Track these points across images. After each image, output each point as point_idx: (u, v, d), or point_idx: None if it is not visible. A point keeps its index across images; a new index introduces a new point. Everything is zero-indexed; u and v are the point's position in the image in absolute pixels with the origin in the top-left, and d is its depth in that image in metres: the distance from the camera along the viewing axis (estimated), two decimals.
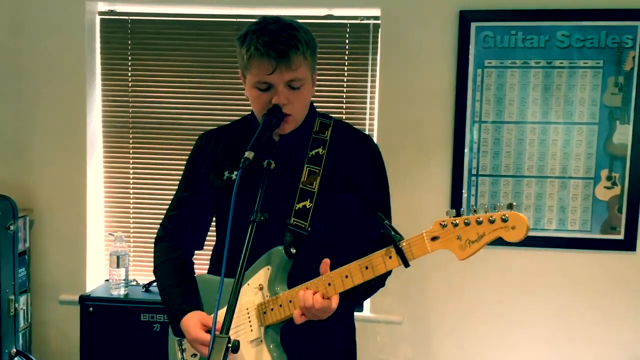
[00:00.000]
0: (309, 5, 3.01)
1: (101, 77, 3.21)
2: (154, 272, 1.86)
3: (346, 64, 3.05)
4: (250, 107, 1.75)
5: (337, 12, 3.04)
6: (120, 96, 3.21)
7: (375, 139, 2.98)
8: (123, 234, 3.07)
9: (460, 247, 1.38)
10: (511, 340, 3.03)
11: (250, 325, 1.64)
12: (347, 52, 3.05)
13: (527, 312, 3.01)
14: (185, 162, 1.93)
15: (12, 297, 2.95)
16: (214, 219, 1.88)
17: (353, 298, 1.62)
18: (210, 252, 1.90)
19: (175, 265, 1.83)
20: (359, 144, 1.78)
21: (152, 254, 1.90)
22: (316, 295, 1.52)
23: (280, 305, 1.59)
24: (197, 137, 1.91)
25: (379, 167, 1.79)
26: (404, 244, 1.45)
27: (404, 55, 2.96)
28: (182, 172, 1.93)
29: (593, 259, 2.96)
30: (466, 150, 2.96)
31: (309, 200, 1.65)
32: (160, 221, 1.94)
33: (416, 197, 2.99)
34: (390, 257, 1.47)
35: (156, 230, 1.95)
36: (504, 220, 1.33)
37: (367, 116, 3.08)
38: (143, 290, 3.00)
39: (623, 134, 2.90)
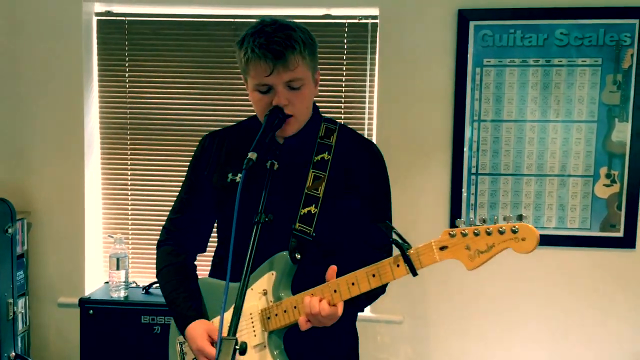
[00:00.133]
0: (307, 5, 3.00)
1: (98, 79, 3.19)
2: (157, 276, 1.85)
3: (344, 63, 3.05)
4: (250, 108, 1.74)
5: (335, 11, 3.03)
6: (118, 97, 3.19)
7: (374, 139, 2.98)
8: (122, 235, 3.06)
9: (469, 257, 1.38)
10: (511, 338, 3.04)
11: (254, 330, 1.63)
12: (345, 52, 3.04)
13: (527, 310, 3.01)
14: (183, 162, 1.92)
15: (11, 300, 2.94)
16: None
17: (356, 305, 1.61)
18: (211, 255, 1.89)
19: (178, 270, 1.82)
20: (363, 149, 1.78)
21: (152, 255, 1.89)
22: (323, 302, 1.52)
23: (285, 311, 1.58)
24: (195, 138, 1.91)
25: (381, 172, 1.78)
26: (412, 252, 1.45)
27: (402, 54, 2.95)
28: (180, 173, 1.93)
29: (593, 257, 2.97)
30: (465, 149, 2.96)
31: (314, 205, 1.64)
32: (160, 222, 1.93)
33: (416, 197, 2.99)
34: (398, 266, 1.46)
35: (155, 231, 1.95)
36: (514, 232, 1.33)
37: (366, 116, 3.07)
38: (143, 292, 2.99)
39: (622, 132, 2.90)
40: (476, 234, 1.37)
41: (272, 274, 1.62)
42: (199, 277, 1.84)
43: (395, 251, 1.50)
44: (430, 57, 2.95)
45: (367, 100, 3.06)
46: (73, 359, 3.05)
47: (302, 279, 1.61)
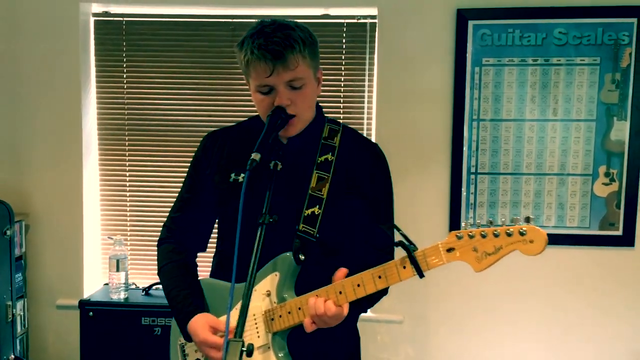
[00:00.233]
0: (306, 5, 3.00)
1: (96, 80, 3.18)
2: (159, 274, 1.84)
3: (343, 63, 3.04)
4: (249, 107, 1.73)
5: (333, 11, 3.03)
6: (116, 98, 3.18)
7: (373, 139, 2.97)
8: (122, 237, 3.05)
9: (476, 259, 1.37)
10: (511, 337, 3.04)
11: (257, 332, 1.62)
12: (344, 52, 3.04)
13: (527, 309, 3.02)
14: (182, 163, 1.91)
15: (10, 302, 2.92)
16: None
17: (360, 306, 1.61)
18: (211, 255, 1.89)
19: (179, 267, 1.80)
20: (366, 151, 1.78)
21: (151, 257, 1.88)
22: (329, 303, 1.51)
23: (289, 313, 1.57)
24: (193, 138, 1.90)
25: (383, 173, 1.78)
26: (418, 254, 1.44)
27: (401, 54, 2.95)
28: (178, 174, 1.92)
29: (592, 255, 2.98)
30: (465, 148, 2.96)
31: (317, 206, 1.64)
32: (159, 223, 1.92)
33: (416, 196, 2.98)
34: (404, 267, 1.46)
35: (153, 232, 1.94)
36: (522, 234, 1.33)
37: (365, 115, 3.07)
38: (143, 293, 2.98)
39: (620, 131, 2.91)
40: (483, 236, 1.36)
41: (276, 274, 1.62)
42: (200, 277, 1.83)
43: (399, 253, 1.49)
44: (429, 57, 2.95)
45: (365, 100, 3.06)
46: None
47: (306, 279, 1.61)
